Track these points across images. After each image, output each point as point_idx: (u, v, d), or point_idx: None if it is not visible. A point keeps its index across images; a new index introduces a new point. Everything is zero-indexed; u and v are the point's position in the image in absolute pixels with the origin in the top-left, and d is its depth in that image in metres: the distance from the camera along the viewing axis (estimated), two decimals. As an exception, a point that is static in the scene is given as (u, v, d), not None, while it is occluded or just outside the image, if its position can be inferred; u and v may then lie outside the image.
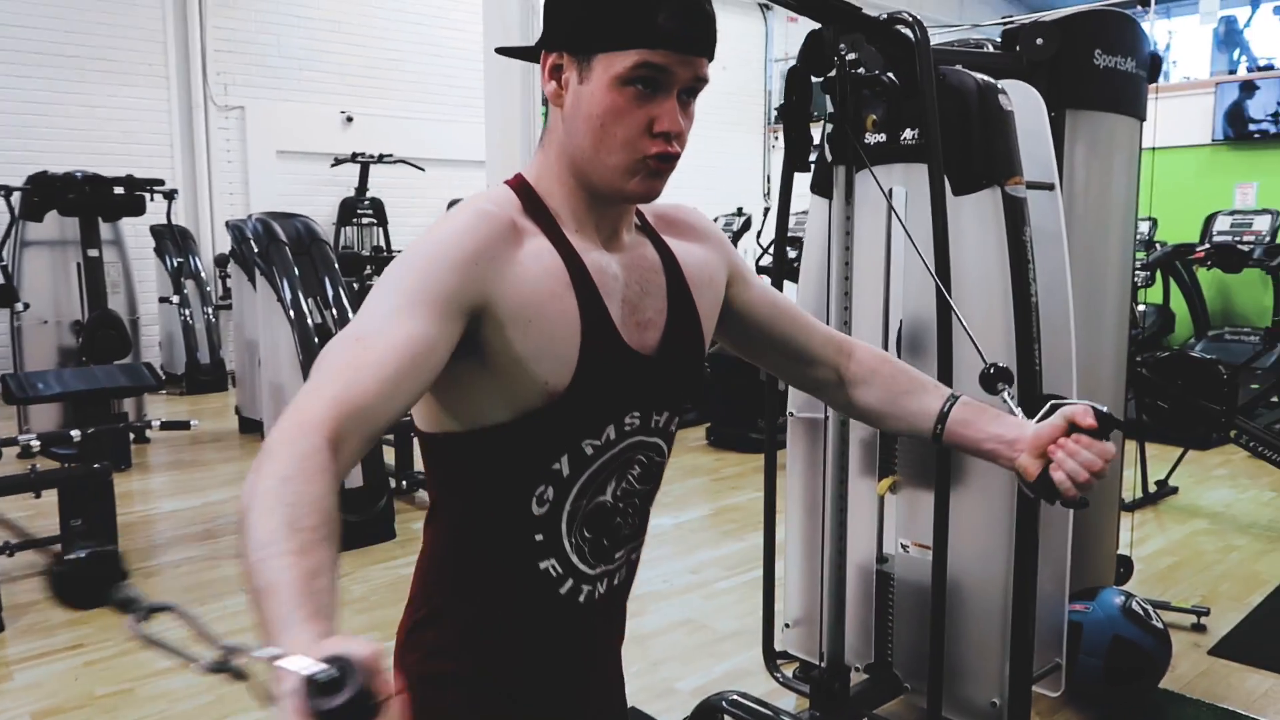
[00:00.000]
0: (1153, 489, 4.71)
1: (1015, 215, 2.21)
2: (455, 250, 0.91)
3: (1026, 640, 2.25)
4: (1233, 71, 10.09)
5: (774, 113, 11.61)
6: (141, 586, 3.65)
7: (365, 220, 9.27)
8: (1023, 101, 2.35)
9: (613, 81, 0.93)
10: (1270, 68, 9.61)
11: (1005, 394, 1.20)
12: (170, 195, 6.22)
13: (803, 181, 2.43)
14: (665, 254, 1.09)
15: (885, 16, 2.12)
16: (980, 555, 2.30)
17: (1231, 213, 7.67)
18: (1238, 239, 7.18)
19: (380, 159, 8.90)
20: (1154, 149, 3.24)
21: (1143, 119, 2.97)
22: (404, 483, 4.76)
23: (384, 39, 9.22)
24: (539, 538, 1.01)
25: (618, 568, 1.09)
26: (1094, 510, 2.97)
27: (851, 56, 2.14)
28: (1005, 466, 1.10)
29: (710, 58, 0.98)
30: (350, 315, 4.22)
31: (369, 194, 9.19)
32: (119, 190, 5.41)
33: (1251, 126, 8.77)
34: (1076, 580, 2.61)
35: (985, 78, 2.24)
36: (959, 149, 2.19)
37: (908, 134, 2.27)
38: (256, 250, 4.33)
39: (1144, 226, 7.42)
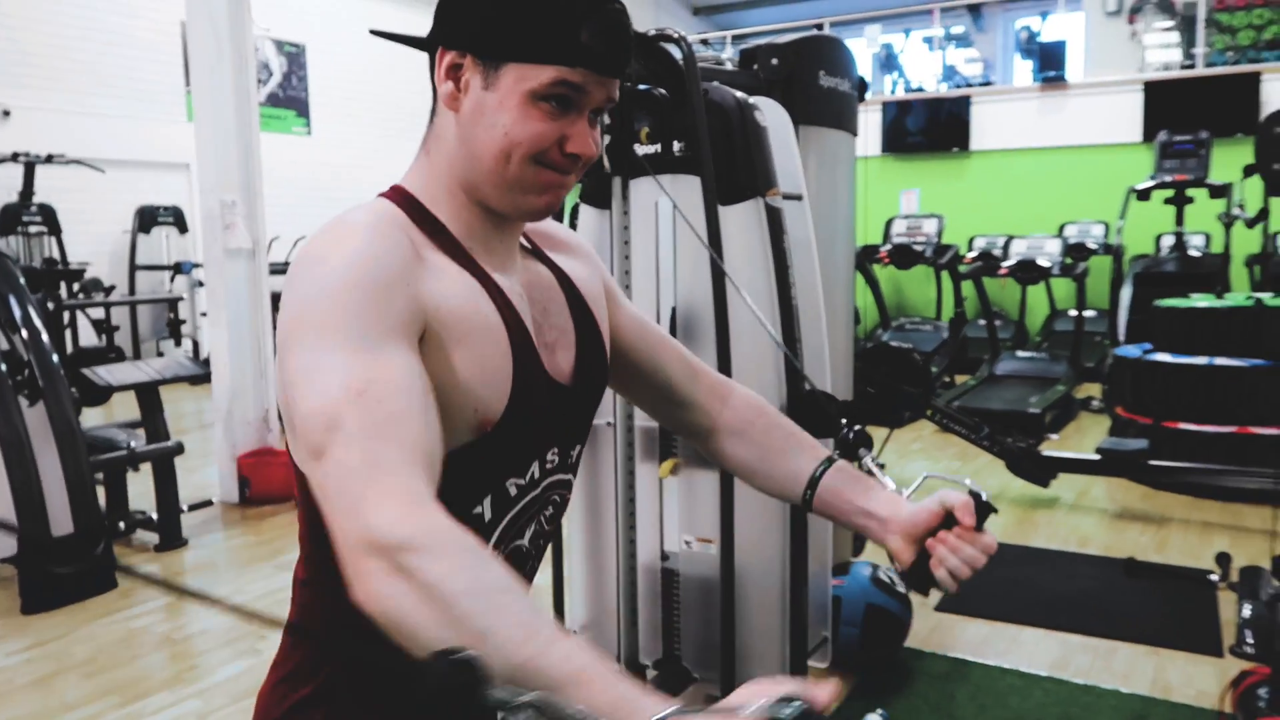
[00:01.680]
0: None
1: (776, 224, 2.36)
2: (385, 269, 0.81)
3: (802, 620, 2.42)
4: (893, 92, 11.41)
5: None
6: None
7: (33, 229, 8.13)
8: (773, 117, 2.52)
9: (525, 96, 0.86)
10: (921, 90, 10.98)
11: (868, 460, 1.16)
12: None
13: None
14: (556, 271, 1.02)
15: (654, 33, 2.19)
16: (757, 544, 2.44)
17: (906, 217, 8.67)
18: (912, 240, 8.13)
19: (49, 159, 7.84)
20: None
21: (855, 134, 3.29)
22: (121, 524, 4.24)
23: (44, 23, 8.14)
24: None
25: None
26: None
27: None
28: (875, 542, 1.05)
29: (625, 78, 0.92)
30: (45, 335, 3.69)
31: (36, 199, 8.07)
32: None
33: (909, 140, 9.99)
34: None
35: (742, 94, 2.37)
36: (724, 161, 2.31)
37: (675, 146, 2.36)
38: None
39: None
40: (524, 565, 0.98)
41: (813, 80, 2.99)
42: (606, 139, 2.22)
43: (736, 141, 2.32)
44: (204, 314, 8.07)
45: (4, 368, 3.57)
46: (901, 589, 2.93)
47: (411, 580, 0.66)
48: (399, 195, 0.92)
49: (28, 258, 8.13)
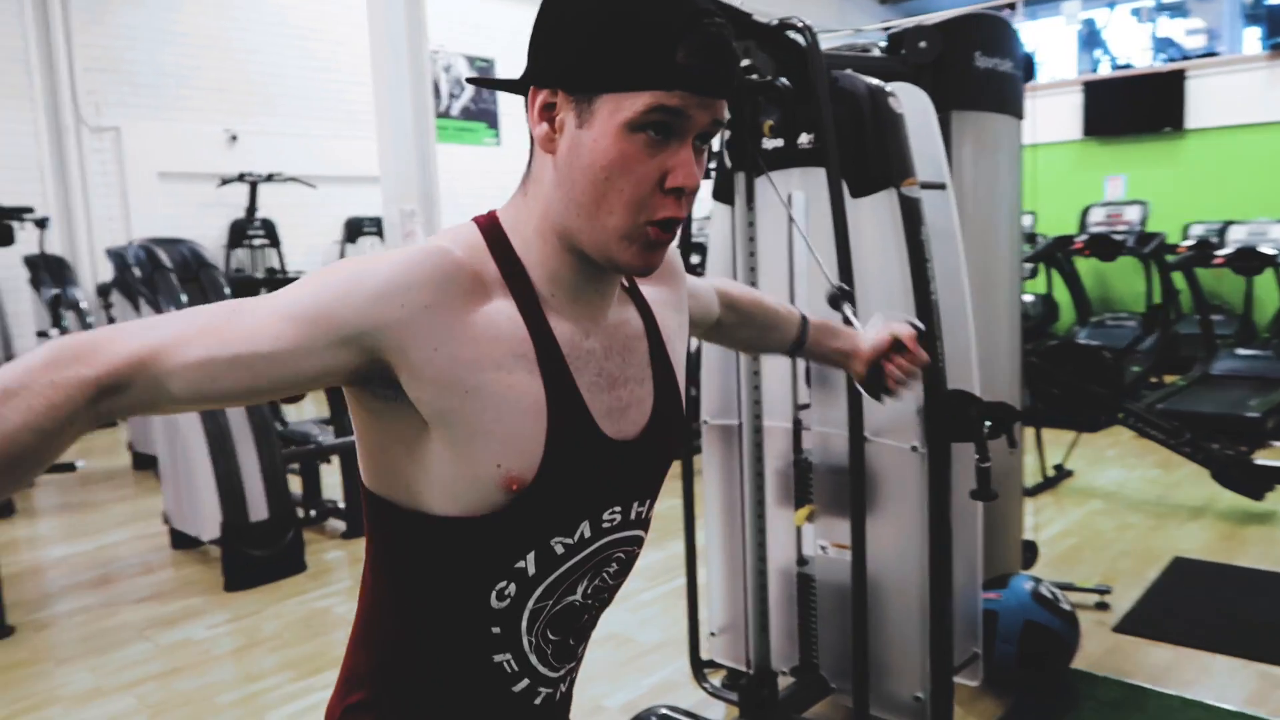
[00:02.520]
0: (1051, 473, 4.88)
1: (912, 215, 2.24)
2: (388, 282, 0.77)
3: (945, 633, 2.29)
4: (1095, 70, 10.60)
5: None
6: (32, 641, 3.42)
7: (257, 242, 8.95)
8: (911, 104, 2.39)
9: (621, 128, 0.79)
10: (1129, 67, 10.14)
11: (846, 310, 1.62)
12: (41, 223, 5.88)
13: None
14: (645, 313, 0.96)
15: (776, 22, 2.13)
16: (897, 552, 2.33)
17: (1105, 204, 8.04)
18: (1112, 229, 7.52)
19: (269, 178, 8.61)
20: (1035, 146, 3.35)
21: (1021, 117, 3.07)
22: (312, 512, 4.58)
23: (264, 54, 8.93)
24: (495, 630, 0.88)
25: (578, 664, 0.99)
26: (1000, 498, 3.06)
27: (745, 63, 2.14)
28: (845, 369, 1.38)
29: (728, 96, 0.84)
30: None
31: (260, 214, 8.88)
32: (-15, 220, 5.09)
33: (1114, 121, 9.22)
34: (987, 569, 2.67)
35: (876, 81, 2.27)
36: (854, 152, 2.22)
37: (804, 138, 2.28)
38: (140, 278, 4.11)
39: (1025, 220, 7.73)
40: (577, 619, 0.94)
41: (967, 62, 2.81)
42: (727, 134, 2.18)
43: (868, 131, 2.22)
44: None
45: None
46: (1067, 605, 2.71)
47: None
48: (490, 225, 0.88)
49: (252, 268, 8.97)
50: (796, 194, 2.38)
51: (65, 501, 5.36)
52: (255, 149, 8.89)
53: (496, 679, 0.91)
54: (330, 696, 0.98)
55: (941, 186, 2.44)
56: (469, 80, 1.03)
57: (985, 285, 2.90)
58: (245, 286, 8.00)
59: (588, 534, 0.89)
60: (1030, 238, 7.83)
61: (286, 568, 3.92)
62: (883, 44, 2.90)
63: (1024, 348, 3.30)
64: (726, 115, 0.84)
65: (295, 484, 4.65)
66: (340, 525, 4.53)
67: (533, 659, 0.91)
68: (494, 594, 0.86)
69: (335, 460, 4.56)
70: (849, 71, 2.30)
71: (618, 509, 0.91)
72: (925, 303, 2.24)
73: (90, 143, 8.16)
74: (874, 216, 2.26)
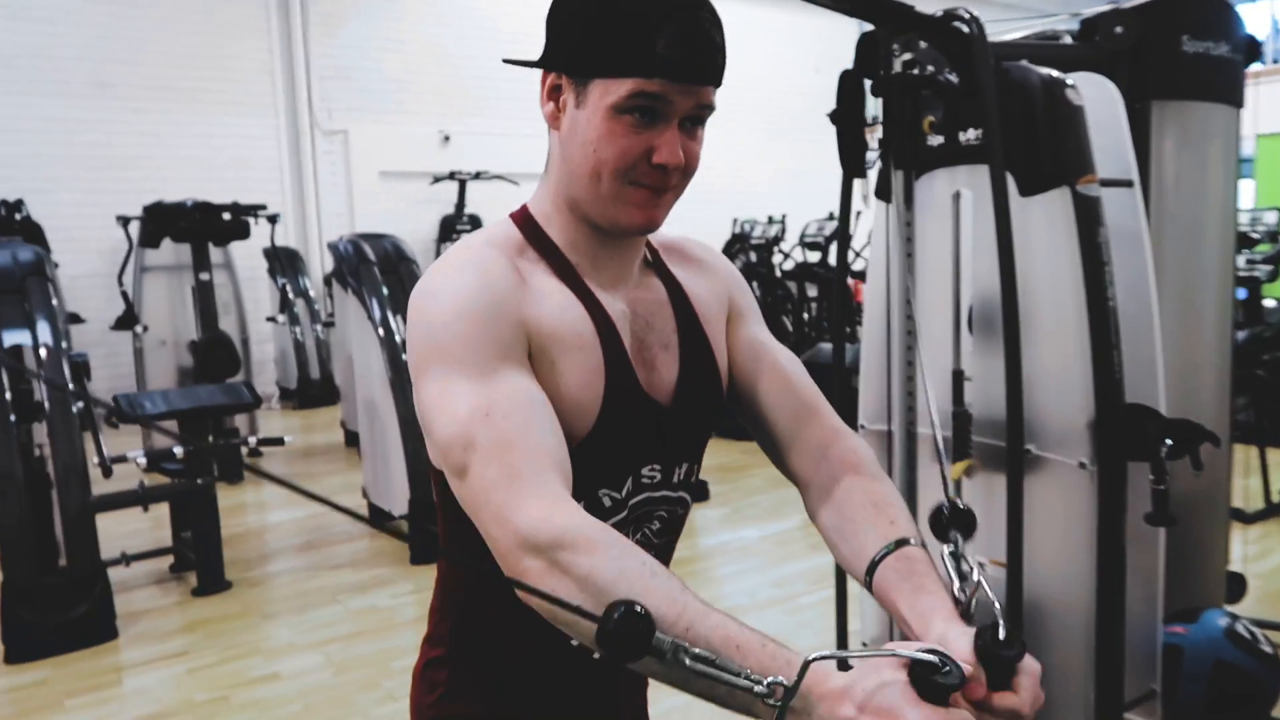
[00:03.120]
0: (1276, 499, 4.39)
1: (1089, 215, 2.08)
2: (481, 301, 0.87)
3: (1115, 665, 2.12)
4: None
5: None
6: (245, 596, 3.81)
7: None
8: (1096, 94, 2.22)
9: (609, 110, 0.88)
10: None
11: (948, 551, 0.94)
12: (273, 219, 6.50)
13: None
14: (673, 286, 1.03)
15: (941, 14, 2.04)
16: (1061, 574, 2.18)
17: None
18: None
19: (477, 176, 9.10)
20: (1274, 136, 3.02)
21: (1239, 105, 2.78)
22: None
23: (478, 59, 9.42)
24: None
25: None
26: (1199, 523, 2.79)
27: (906, 57, 2.07)
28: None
29: (717, 84, 0.91)
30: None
31: (468, 210, 9.41)
32: (226, 216, 5.68)
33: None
34: (1179, 599, 2.45)
35: (1051, 72, 2.12)
36: (1025, 148, 2.09)
37: (970, 134, 2.17)
38: (347, 270, 4.48)
39: (1271, 217, 6.96)
40: None
41: (1172, 46, 2.58)
42: (879, 133, 2.11)
43: (1040, 125, 2.08)
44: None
45: (389, 373, 4.22)
46: (1268, 647, 2.44)
47: (566, 575, 0.73)
48: (521, 215, 0.98)
49: (460, 261, 9.51)
50: (965, 193, 2.27)
51: (287, 471, 5.91)
52: (465, 149, 9.42)
53: (556, 634, 0.93)
54: (417, 656, 1.09)
55: (1128, 184, 2.25)
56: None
57: (1186, 291, 2.66)
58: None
59: (631, 488, 0.97)
60: (1274, 236, 7.05)
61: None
62: (1074, 31, 2.70)
63: (1261, 358, 2.98)
64: (714, 100, 0.91)
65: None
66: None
67: None
68: None
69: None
70: (1023, 62, 2.16)
71: (657, 467, 0.98)
72: (1101, 310, 2.08)
73: (322, 145, 8.93)
74: (1045, 217, 2.12)
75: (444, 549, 1.04)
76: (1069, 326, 2.10)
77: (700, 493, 4.93)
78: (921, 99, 2.10)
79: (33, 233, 6.87)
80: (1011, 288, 1.98)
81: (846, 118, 2.04)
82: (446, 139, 9.45)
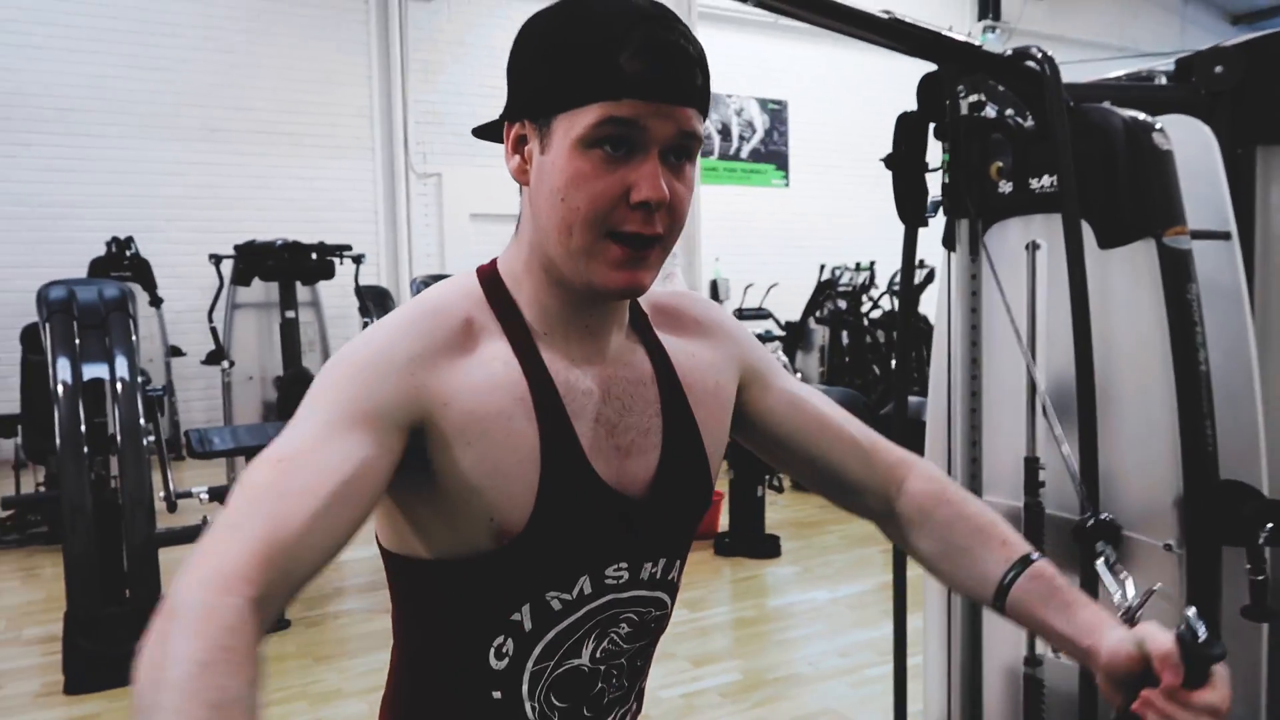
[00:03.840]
0: None
1: (1177, 270, 1.89)
2: (389, 355, 0.78)
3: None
4: None
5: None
6: (301, 636, 3.79)
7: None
8: (1188, 139, 2.03)
9: (574, 145, 0.77)
10: None
11: (1104, 560, 1.03)
12: (358, 259, 6.63)
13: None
14: (659, 359, 0.90)
15: (1011, 53, 1.90)
16: (1144, 667, 1.96)
17: None
18: None
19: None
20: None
21: (1362, 150, 2.52)
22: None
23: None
24: (497, 695, 0.85)
25: None
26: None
27: (973, 99, 1.93)
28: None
29: (700, 109, 0.78)
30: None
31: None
32: (314, 256, 5.82)
33: None
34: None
35: (1136, 114, 1.95)
36: (1105, 196, 1.92)
37: (1045, 181, 2.01)
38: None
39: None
40: (587, 686, 0.88)
41: (1279, 87, 2.36)
42: (943, 178, 1.96)
43: (1121, 171, 1.91)
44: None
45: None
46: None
47: (157, 646, 0.60)
48: (488, 271, 0.88)
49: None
50: (1042, 243, 2.10)
51: (361, 509, 5.94)
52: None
53: None
54: None
55: (1225, 236, 2.05)
56: (473, 132, 1.02)
57: (1298, 353, 2.40)
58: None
59: (588, 590, 0.85)
60: None
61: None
62: (1169, 72, 2.51)
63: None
64: (699, 129, 0.79)
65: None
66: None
67: None
68: (492, 651, 0.84)
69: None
70: (1105, 104, 2.00)
71: (623, 565, 0.86)
72: (1190, 373, 1.88)
73: (416, 188, 9.14)
74: (1128, 271, 1.93)
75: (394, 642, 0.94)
76: (1154, 392, 1.90)
77: (770, 549, 4.74)
78: (990, 143, 1.95)
79: (141, 269, 7.18)
80: (1087, 345, 1.80)
81: (904, 162, 1.91)
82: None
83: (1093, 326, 1.88)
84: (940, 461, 2.27)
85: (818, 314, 8.36)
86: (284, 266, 5.65)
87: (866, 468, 0.98)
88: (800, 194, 10.89)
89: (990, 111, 1.91)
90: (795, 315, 8.71)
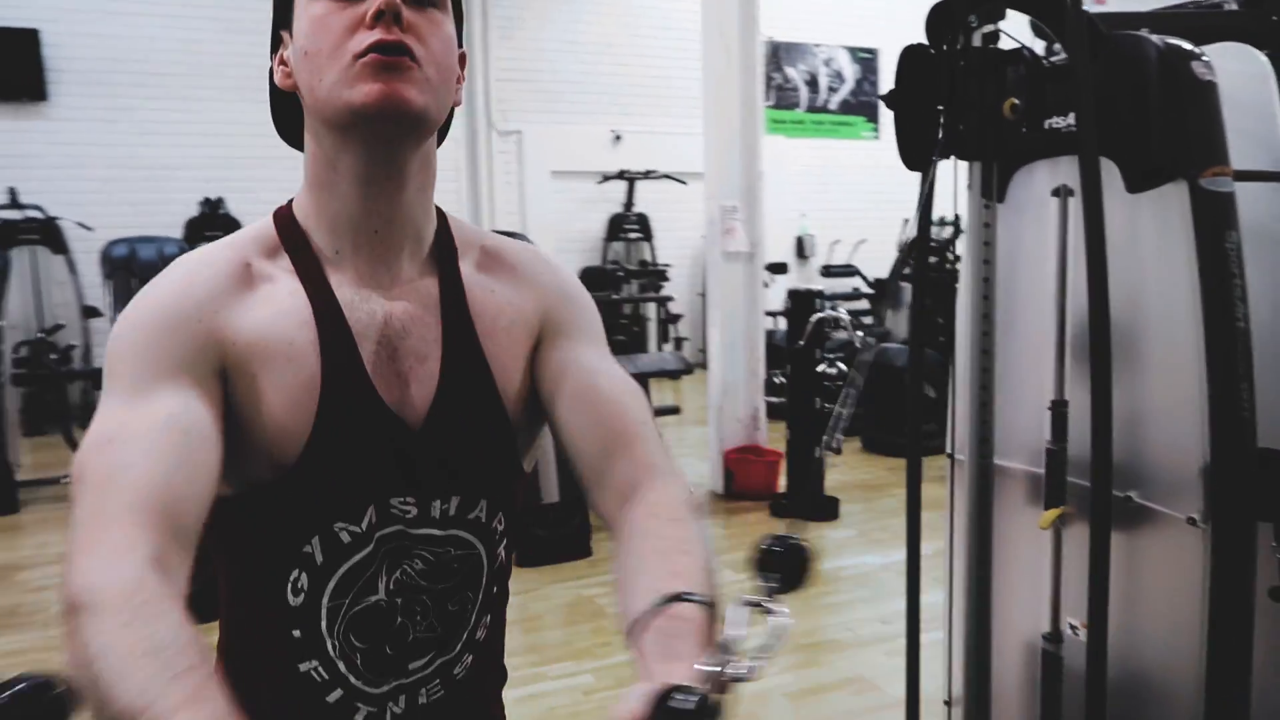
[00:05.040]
0: None
1: (1214, 215, 1.70)
2: (175, 310, 0.79)
3: (1233, 766, 1.73)
4: None
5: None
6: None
7: (632, 235, 9.49)
8: (1240, 69, 1.82)
9: (308, 2, 0.79)
10: None
11: (744, 599, 0.67)
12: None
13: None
14: (450, 290, 0.86)
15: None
16: (1167, 648, 1.80)
17: None
18: None
19: (646, 175, 9.06)
20: None
21: None
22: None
23: (650, 58, 9.39)
24: (296, 634, 0.83)
25: (419, 682, 0.88)
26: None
27: (986, 29, 1.77)
28: None
29: None
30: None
31: (635, 209, 9.39)
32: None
33: None
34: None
35: (1176, 42, 1.75)
36: (1134, 133, 1.73)
37: (1071, 119, 1.83)
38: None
39: None
40: (387, 623, 0.85)
41: (1365, 11, 2.10)
42: (948, 117, 1.80)
43: (1153, 105, 1.72)
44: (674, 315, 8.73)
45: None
46: None
47: (76, 641, 0.61)
48: (282, 209, 0.87)
49: (626, 260, 9.52)
50: (1075, 189, 1.92)
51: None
52: (635, 147, 9.40)
53: (307, 689, 0.85)
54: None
55: (1277, 178, 1.83)
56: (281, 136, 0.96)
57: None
58: (617, 280, 8.55)
59: (374, 520, 0.83)
60: None
61: (570, 551, 4.06)
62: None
63: None
64: None
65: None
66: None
67: (340, 666, 0.85)
68: (289, 587, 0.82)
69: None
70: (1141, 33, 1.80)
71: (410, 500, 0.84)
72: (1225, 332, 1.69)
73: (497, 145, 9.16)
74: (1158, 217, 1.75)
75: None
76: (1183, 350, 1.72)
77: (828, 511, 4.62)
78: (1005, 79, 1.78)
79: (230, 228, 7.42)
80: (1103, 299, 1.65)
81: (909, 100, 1.76)
82: (618, 138, 9.46)
83: (1121, 279, 1.72)
84: (964, 416, 2.14)
85: (906, 271, 8.07)
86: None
87: (606, 457, 0.86)
88: (892, 146, 10.43)
89: (1007, 44, 1.74)
90: (885, 273, 8.44)
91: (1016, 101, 1.77)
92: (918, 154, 1.77)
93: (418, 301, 0.86)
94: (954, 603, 2.32)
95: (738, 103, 4.69)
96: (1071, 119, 1.84)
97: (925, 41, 1.83)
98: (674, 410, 4.96)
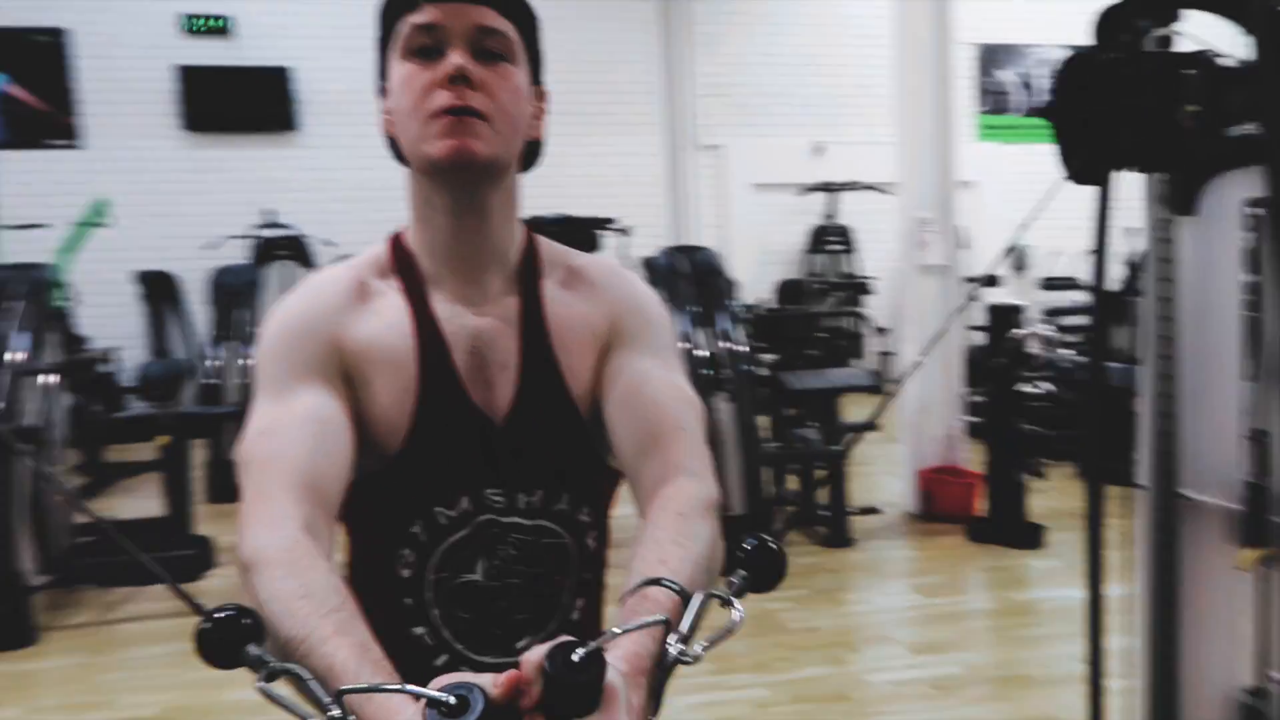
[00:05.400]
0: None
1: None
2: (303, 319, 0.95)
3: None
4: None
5: None
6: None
7: (834, 247, 9.36)
8: None
9: (398, 63, 0.92)
10: None
11: (706, 592, 0.75)
12: (624, 232, 6.89)
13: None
14: (531, 306, 0.98)
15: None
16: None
17: None
18: None
19: (848, 186, 8.92)
20: None
21: None
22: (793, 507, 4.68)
23: (852, 67, 9.23)
24: (408, 601, 0.97)
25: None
26: None
27: (1161, 33, 1.66)
28: None
29: (499, 9, 0.91)
30: (736, 346, 4.29)
31: (837, 221, 9.26)
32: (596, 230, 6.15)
33: None
34: None
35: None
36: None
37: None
38: (660, 282, 4.63)
39: None
40: (488, 602, 0.97)
41: None
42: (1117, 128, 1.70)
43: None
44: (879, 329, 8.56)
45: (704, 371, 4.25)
46: None
47: (250, 592, 0.77)
48: (396, 235, 1.01)
49: (828, 272, 9.39)
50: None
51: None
52: (837, 159, 9.27)
53: (418, 651, 0.97)
54: None
55: None
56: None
57: None
58: (817, 293, 8.47)
59: (468, 507, 0.95)
60: None
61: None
62: None
63: None
64: (502, 26, 0.91)
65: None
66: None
67: (445, 633, 0.97)
68: (400, 562, 0.96)
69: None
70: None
71: (500, 491, 0.96)
72: None
73: (699, 160, 9.31)
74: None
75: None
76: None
77: (1030, 538, 4.38)
78: (1183, 83, 1.66)
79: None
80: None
81: (1073, 110, 1.68)
82: (819, 149, 9.37)
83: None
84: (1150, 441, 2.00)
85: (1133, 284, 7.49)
86: (557, 239, 6.01)
87: (639, 457, 0.94)
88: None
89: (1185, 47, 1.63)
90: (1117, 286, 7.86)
91: (1195, 108, 1.65)
92: (1085, 166, 1.68)
93: (502, 316, 0.98)
94: (1139, 648, 2.16)
95: (930, 111, 4.57)
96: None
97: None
98: (871, 426, 4.85)
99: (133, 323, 7.96)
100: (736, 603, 0.74)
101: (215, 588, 3.98)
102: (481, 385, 0.96)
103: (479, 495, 0.95)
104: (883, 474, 5.41)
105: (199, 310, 7.42)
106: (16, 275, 3.91)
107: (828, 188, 8.97)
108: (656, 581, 0.76)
